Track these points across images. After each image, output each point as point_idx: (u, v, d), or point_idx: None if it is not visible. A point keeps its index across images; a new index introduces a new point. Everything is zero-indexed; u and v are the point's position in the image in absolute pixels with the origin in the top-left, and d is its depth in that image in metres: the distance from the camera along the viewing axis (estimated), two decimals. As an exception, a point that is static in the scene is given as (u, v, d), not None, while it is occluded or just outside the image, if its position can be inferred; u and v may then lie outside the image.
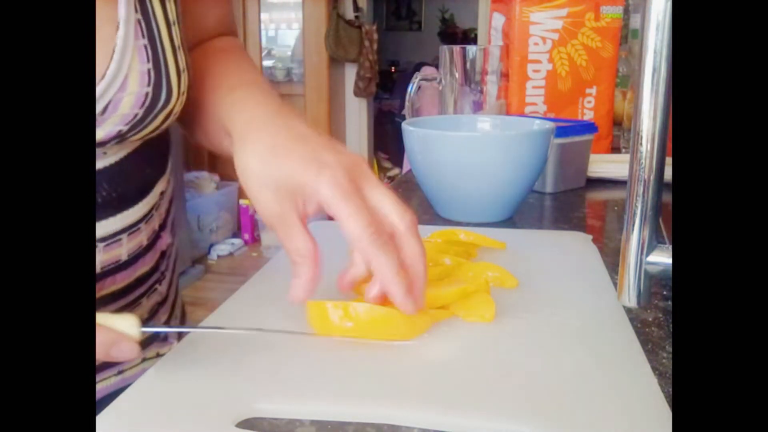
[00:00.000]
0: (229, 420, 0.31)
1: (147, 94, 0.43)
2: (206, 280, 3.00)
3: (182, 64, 0.46)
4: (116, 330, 0.34)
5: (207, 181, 3.35)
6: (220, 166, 3.45)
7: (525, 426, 0.30)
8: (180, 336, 0.58)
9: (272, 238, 3.31)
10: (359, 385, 0.34)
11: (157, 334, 0.55)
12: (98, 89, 0.41)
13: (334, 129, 3.81)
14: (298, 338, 0.39)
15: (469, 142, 0.62)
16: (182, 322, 0.62)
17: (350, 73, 3.86)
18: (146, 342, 0.54)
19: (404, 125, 0.67)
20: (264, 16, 3.64)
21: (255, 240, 3.47)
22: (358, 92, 3.81)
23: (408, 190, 0.81)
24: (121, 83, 0.42)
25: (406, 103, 0.94)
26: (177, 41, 0.46)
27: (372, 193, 0.38)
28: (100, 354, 0.34)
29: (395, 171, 4.29)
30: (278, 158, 0.38)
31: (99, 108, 0.41)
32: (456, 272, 0.48)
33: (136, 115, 0.43)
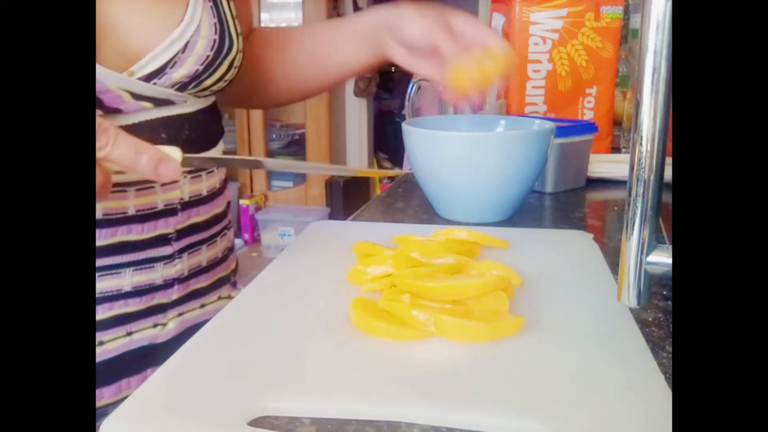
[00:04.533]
0: (240, 419, 0.31)
1: (215, 40, 0.53)
2: (206, 280, 2.99)
3: (238, 29, 0.57)
4: (162, 151, 0.40)
5: (207, 181, 3.35)
6: (220, 166, 3.45)
7: (539, 423, 0.30)
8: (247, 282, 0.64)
9: (272, 238, 3.31)
10: (368, 383, 0.34)
11: (228, 277, 0.64)
12: (177, 31, 0.51)
13: (334, 129, 3.81)
14: (311, 336, 0.39)
15: (470, 142, 0.62)
16: (234, 284, 0.67)
17: (350, 73, 3.86)
18: (220, 283, 0.63)
19: (404, 125, 0.67)
20: (264, 16, 3.63)
21: (255, 240, 3.47)
22: (358, 92, 3.80)
23: (408, 190, 0.82)
24: (196, 28, 0.52)
25: (406, 103, 0.94)
26: (234, 12, 0.57)
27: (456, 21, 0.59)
28: (149, 170, 0.40)
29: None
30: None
31: (180, 45, 0.51)
32: (460, 271, 0.48)
33: (207, 56, 0.53)
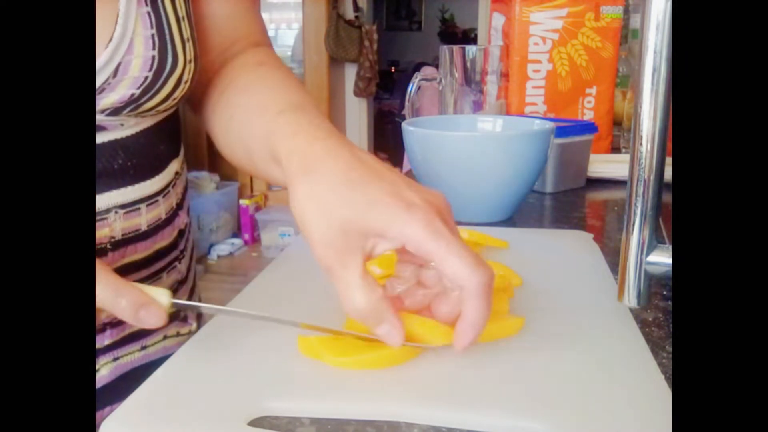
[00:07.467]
0: (240, 419, 0.31)
1: (153, 57, 0.45)
2: (206, 280, 2.99)
3: (186, 34, 0.48)
4: (147, 294, 0.36)
5: (207, 180, 3.35)
6: (220, 165, 3.45)
7: (538, 423, 0.30)
8: (198, 317, 0.60)
9: (272, 238, 3.31)
10: (368, 383, 0.34)
11: (177, 313, 0.57)
12: (107, 52, 0.43)
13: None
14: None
15: (469, 142, 0.62)
16: (185, 319, 0.63)
17: (350, 73, 3.86)
18: (168, 319, 0.55)
19: (404, 125, 0.67)
20: (264, 15, 3.63)
21: (255, 240, 3.47)
22: (358, 92, 3.80)
23: (408, 190, 0.81)
24: (128, 46, 0.44)
25: (406, 103, 0.94)
26: (181, 12, 0.48)
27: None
28: (129, 314, 0.35)
29: (395, 171, 4.29)
30: (355, 193, 0.35)
31: (110, 70, 0.44)
32: None
33: (146, 78, 0.45)
